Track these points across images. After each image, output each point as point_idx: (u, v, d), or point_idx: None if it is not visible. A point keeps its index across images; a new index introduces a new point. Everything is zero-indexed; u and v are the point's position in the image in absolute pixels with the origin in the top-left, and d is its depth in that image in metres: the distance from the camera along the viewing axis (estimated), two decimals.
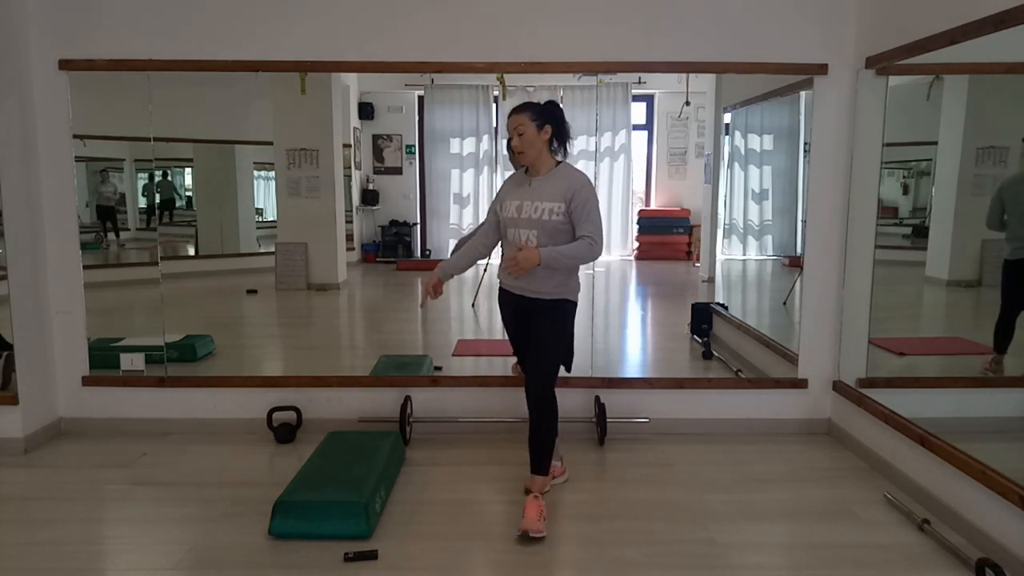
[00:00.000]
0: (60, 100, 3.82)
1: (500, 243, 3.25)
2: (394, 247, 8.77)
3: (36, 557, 2.71)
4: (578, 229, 2.91)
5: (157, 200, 7.37)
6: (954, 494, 2.92)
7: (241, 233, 7.86)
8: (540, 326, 3.02)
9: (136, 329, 4.89)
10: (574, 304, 3.10)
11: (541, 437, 3.06)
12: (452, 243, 8.44)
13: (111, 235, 6.64)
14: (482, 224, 3.30)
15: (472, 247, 3.24)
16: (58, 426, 3.99)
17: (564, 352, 3.16)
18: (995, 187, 3.49)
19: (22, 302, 3.73)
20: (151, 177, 7.06)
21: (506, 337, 3.31)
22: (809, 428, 4.01)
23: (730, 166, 5.93)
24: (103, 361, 4.08)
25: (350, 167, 8.18)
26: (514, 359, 3.57)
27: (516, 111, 2.95)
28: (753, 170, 5.85)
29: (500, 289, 3.19)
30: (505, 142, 3.05)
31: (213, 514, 3.05)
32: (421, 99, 8.77)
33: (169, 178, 7.45)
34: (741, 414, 4.01)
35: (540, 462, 3.07)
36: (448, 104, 8.68)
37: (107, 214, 6.64)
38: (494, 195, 3.26)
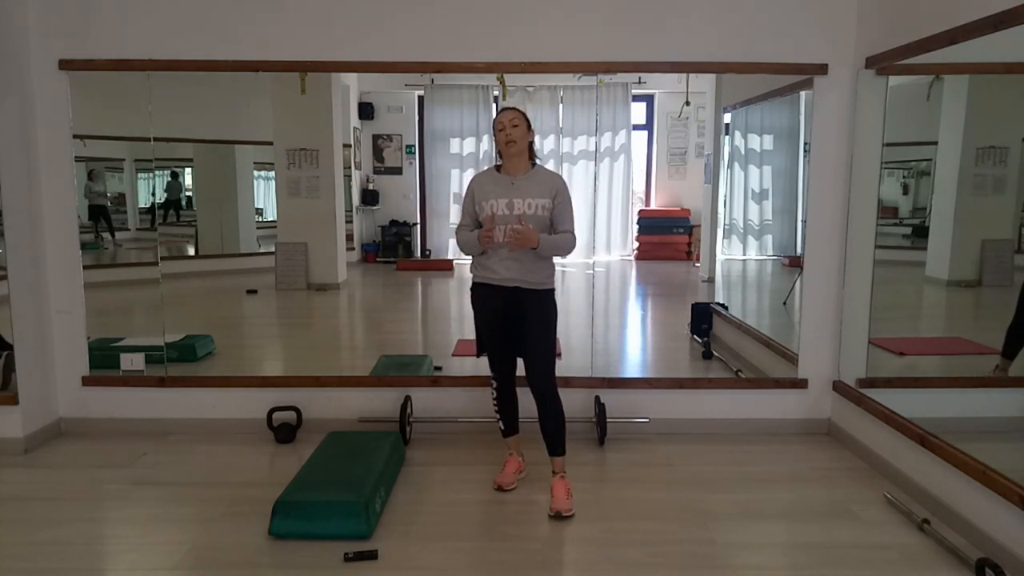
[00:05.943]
0: (60, 100, 3.82)
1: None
2: (394, 247, 8.76)
3: (36, 557, 2.71)
4: (561, 224, 3.16)
5: (164, 199, 7.33)
6: (954, 494, 2.92)
7: (241, 233, 7.84)
8: (535, 320, 3.15)
9: (136, 329, 4.90)
10: (554, 291, 3.28)
11: (553, 424, 3.20)
12: (452, 243, 8.43)
13: (105, 235, 6.61)
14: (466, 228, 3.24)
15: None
16: (58, 426, 3.99)
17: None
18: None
19: (22, 302, 3.73)
20: (156, 174, 7.02)
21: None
22: (809, 428, 4.01)
23: (730, 166, 5.93)
24: (103, 361, 4.08)
25: (350, 167, 8.16)
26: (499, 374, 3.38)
27: (510, 108, 3.18)
28: (753, 170, 5.84)
29: (482, 286, 3.20)
30: (492, 136, 3.22)
31: (213, 514, 3.05)
32: (421, 99, 8.75)
33: (180, 179, 7.44)
34: (741, 414, 4.01)
35: (556, 445, 3.21)
36: (448, 104, 8.67)
37: (99, 213, 6.59)
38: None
